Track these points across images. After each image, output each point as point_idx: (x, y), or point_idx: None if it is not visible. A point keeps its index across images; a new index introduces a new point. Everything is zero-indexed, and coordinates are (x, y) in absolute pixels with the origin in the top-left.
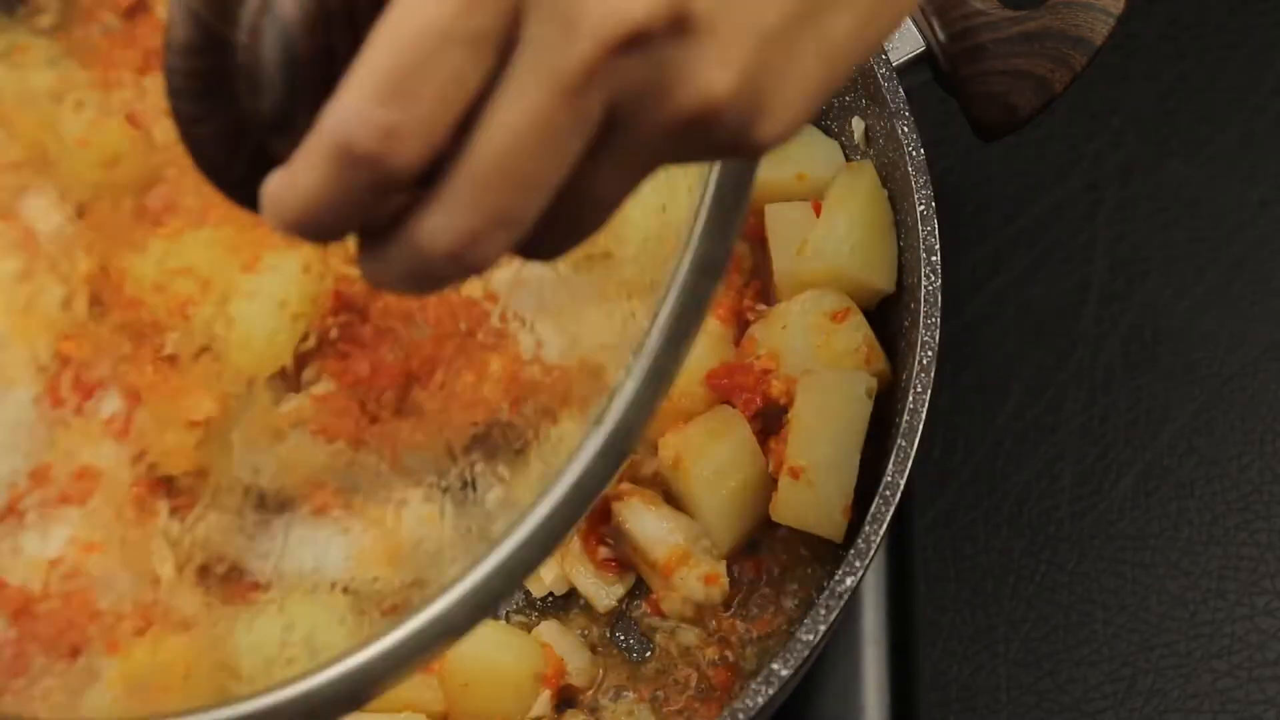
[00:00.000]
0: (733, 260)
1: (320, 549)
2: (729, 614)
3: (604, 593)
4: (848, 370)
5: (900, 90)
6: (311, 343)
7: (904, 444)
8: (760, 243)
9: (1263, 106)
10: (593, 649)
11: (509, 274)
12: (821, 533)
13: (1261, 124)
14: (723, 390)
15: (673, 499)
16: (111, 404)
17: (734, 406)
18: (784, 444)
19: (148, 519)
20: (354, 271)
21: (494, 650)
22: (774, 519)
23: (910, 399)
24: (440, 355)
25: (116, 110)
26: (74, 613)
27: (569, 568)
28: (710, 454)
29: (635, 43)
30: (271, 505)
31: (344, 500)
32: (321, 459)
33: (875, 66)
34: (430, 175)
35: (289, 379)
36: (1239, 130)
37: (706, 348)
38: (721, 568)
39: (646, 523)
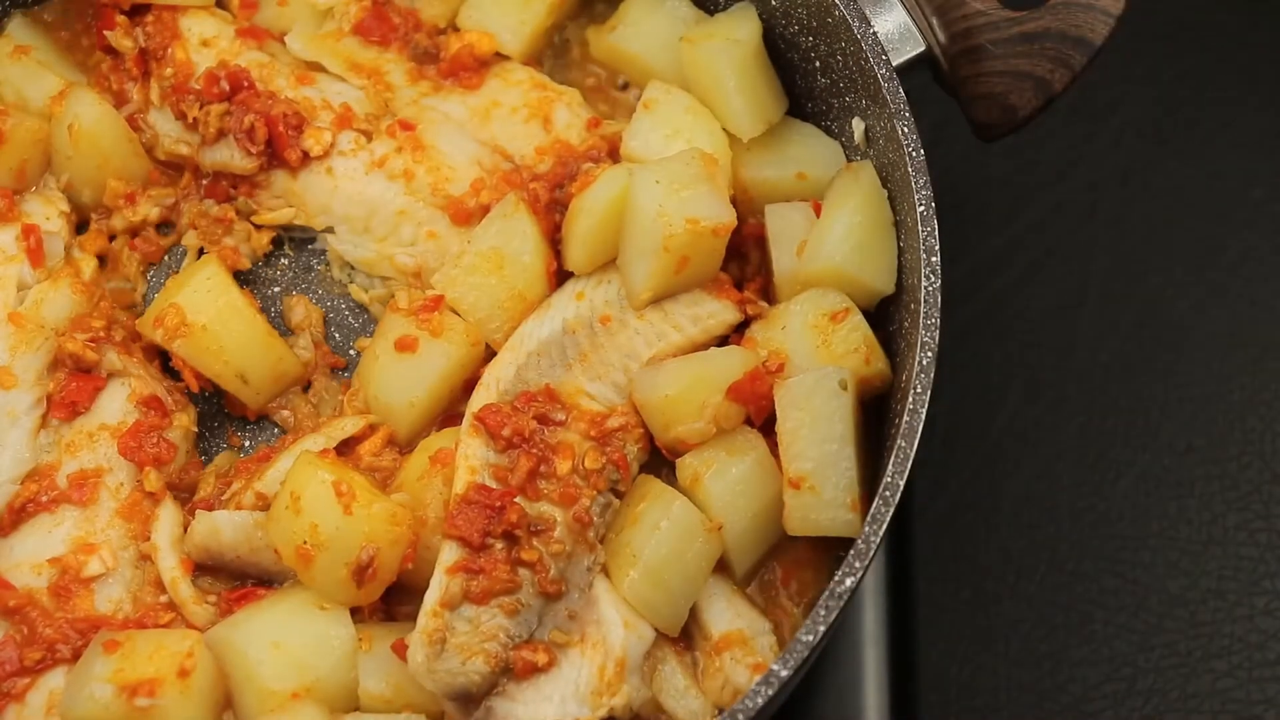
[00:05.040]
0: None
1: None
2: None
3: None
4: (818, 369)
5: (900, 90)
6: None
7: (904, 444)
8: (760, 243)
9: (1262, 107)
10: None
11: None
12: (837, 533)
13: (1261, 124)
14: (744, 399)
15: None
16: (113, 405)
17: (752, 420)
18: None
19: (149, 521)
20: None
21: None
22: (789, 532)
23: (910, 399)
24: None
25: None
26: (74, 613)
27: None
28: (729, 473)
29: None
30: None
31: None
32: (500, 628)
33: (875, 67)
34: None
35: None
36: (1239, 131)
37: (736, 362)
38: (772, 662)
39: (718, 603)
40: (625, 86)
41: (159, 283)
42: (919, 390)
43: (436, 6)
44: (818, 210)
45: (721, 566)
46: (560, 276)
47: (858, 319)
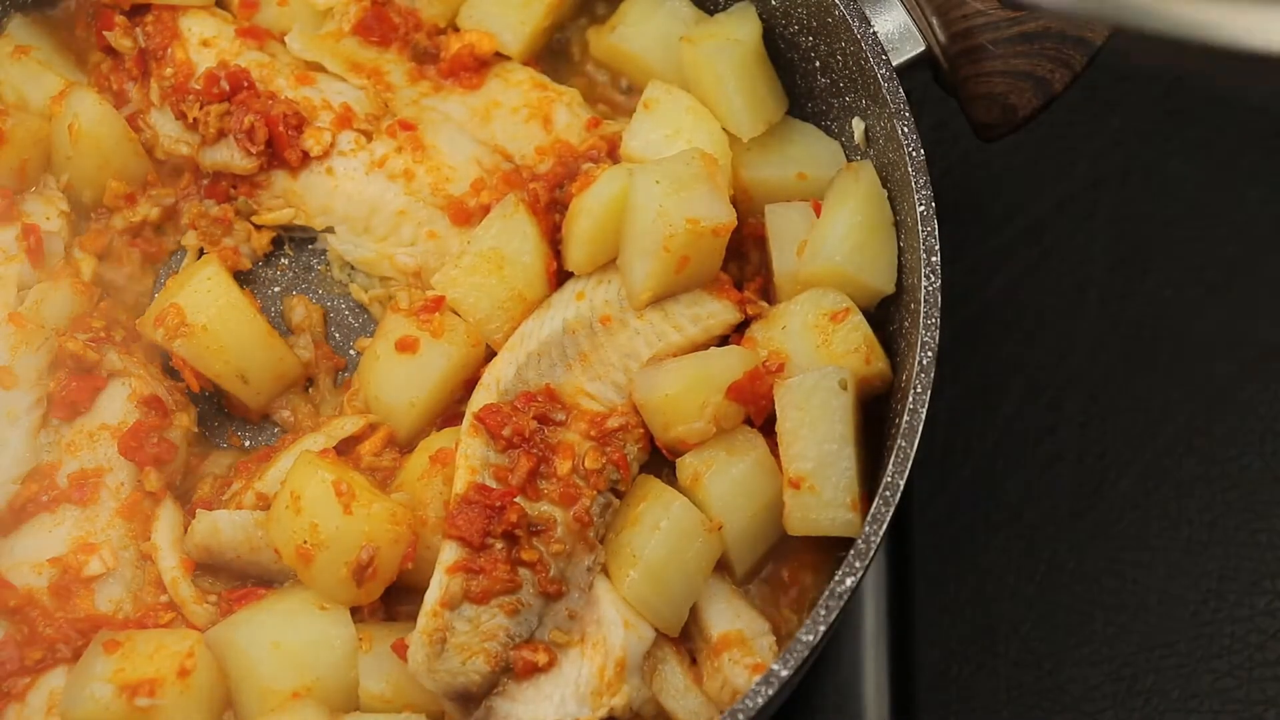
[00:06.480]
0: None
1: None
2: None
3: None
4: (818, 369)
5: (900, 90)
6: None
7: (904, 444)
8: (760, 243)
9: (1263, 106)
10: None
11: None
12: (837, 533)
13: (1262, 125)
14: (744, 399)
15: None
16: (114, 405)
17: (752, 420)
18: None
19: (149, 520)
20: None
21: None
22: (789, 532)
23: (910, 399)
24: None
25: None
26: (74, 613)
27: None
28: (729, 473)
29: None
30: None
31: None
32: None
33: (875, 67)
34: None
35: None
36: (1239, 131)
37: (735, 362)
38: (771, 662)
39: (718, 604)
40: (629, 90)
41: (159, 283)
42: (919, 390)
43: (436, 6)
44: (818, 210)
45: (721, 566)
46: (560, 276)
47: (858, 319)
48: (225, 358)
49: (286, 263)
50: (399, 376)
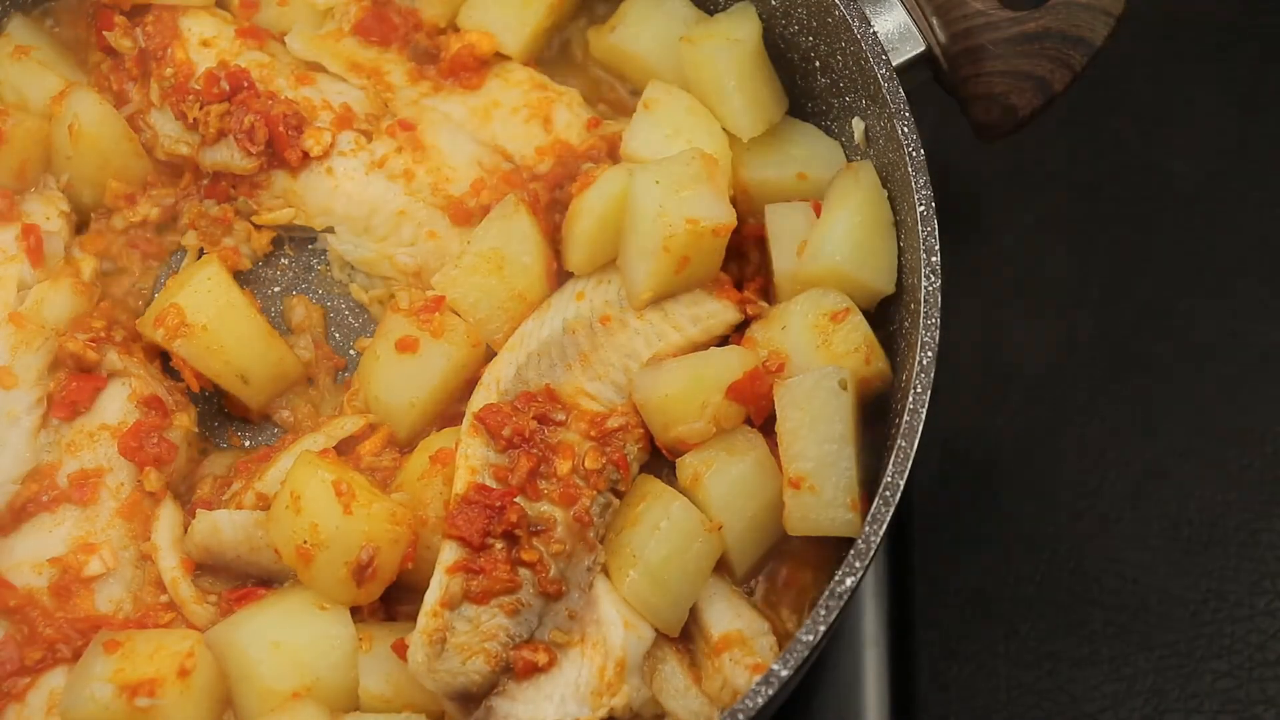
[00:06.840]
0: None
1: None
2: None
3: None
4: (818, 369)
5: (900, 90)
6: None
7: (904, 444)
8: (760, 243)
9: (1268, 106)
10: None
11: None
12: (837, 533)
13: (1262, 125)
14: (744, 399)
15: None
16: (114, 405)
17: (752, 420)
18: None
19: (149, 521)
20: None
21: None
22: (789, 532)
23: (910, 399)
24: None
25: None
26: (74, 613)
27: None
28: (729, 473)
29: None
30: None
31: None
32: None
33: (875, 67)
34: None
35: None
36: (1239, 132)
37: (735, 362)
38: (772, 662)
39: (718, 604)
40: (629, 90)
41: (159, 283)
42: (919, 390)
43: (436, 6)
44: (818, 210)
45: (721, 566)
46: (560, 276)
47: (858, 319)
48: (225, 358)
49: (286, 263)
50: (399, 376)
